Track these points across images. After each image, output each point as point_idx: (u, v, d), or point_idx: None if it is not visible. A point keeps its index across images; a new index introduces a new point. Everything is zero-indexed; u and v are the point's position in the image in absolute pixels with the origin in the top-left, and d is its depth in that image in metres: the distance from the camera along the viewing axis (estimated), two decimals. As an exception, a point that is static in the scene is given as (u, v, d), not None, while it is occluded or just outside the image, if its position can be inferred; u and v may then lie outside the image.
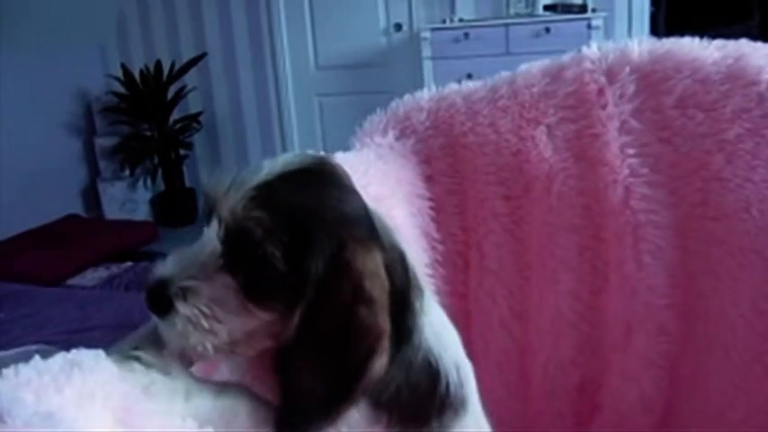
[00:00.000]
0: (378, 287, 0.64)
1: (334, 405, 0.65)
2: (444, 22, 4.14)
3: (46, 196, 4.80)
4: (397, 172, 1.13)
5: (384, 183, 1.08)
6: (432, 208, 1.16)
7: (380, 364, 0.64)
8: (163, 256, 0.68)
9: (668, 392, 1.14)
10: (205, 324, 0.65)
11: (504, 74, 1.21)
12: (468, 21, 4.12)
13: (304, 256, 0.64)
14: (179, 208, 5.17)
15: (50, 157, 4.94)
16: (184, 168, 5.28)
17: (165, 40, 5.25)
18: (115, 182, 5.14)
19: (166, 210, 5.21)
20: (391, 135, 1.19)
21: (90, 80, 5.24)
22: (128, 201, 5.16)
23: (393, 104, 1.25)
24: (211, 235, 0.67)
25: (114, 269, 3.93)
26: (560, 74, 1.16)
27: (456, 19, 4.14)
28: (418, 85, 3.37)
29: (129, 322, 2.28)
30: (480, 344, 1.21)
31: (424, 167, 1.18)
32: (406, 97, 1.25)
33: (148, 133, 5.09)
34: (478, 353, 1.21)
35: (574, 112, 1.14)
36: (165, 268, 0.66)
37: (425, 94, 1.23)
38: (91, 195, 5.26)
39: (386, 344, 0.64)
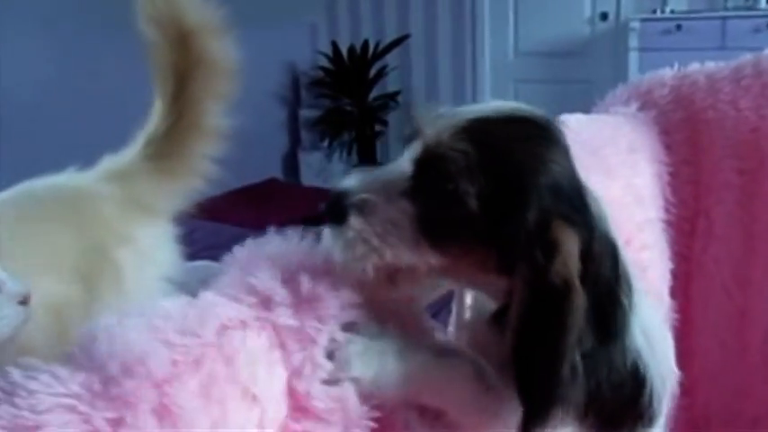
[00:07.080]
0: (573, 268, 0.60)
1: (558, 389, 0.61)
2: (654, 12, 4.07)
3: (251, 158, 5.22)
4: (642, 136, 1.24)
5: (636, 138, 1.20)
6: (669, 173, 1.26)
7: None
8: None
9: None
10: (374, 241, 0.62)
11: (749, 55, 1.28)
12: (681, 12, 4.03)
13: (503, 213, 0.60)
14: (371, 181, 5.43)
15: (259, 123, 5.36)
16: (377, 144, 5.55)
17: (370, 20, 5.51)
18: (313, 152, 5.49)
19: (358, 182, 5.48)
20: (633, 106, 1.30)
21: (299, 55, 5.61)
22: (323, 170, 5.49)
23: (634, 79, 1.36)
24: (407, 157, 0.64)
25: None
26: (808, 56, 1.22)
27: (667, 10, 4.06)
28: (621, 77, 3.36)
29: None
30: (699, 305, 1.30)
31: (664, 137, 1.28)
32: (649, 74, 1.35)
33: (348, 108, 5.39)
34: (697, 314, 1.30)
35: (818, 93, 1.19)
36: (349, 180, 0.64)
37: (668, 72, 1.32)
38: (290, 162, 5.66)
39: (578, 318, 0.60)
